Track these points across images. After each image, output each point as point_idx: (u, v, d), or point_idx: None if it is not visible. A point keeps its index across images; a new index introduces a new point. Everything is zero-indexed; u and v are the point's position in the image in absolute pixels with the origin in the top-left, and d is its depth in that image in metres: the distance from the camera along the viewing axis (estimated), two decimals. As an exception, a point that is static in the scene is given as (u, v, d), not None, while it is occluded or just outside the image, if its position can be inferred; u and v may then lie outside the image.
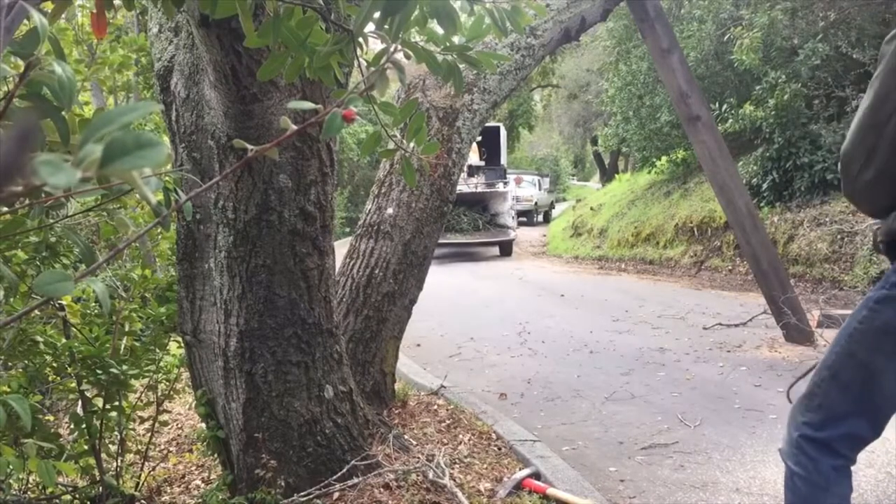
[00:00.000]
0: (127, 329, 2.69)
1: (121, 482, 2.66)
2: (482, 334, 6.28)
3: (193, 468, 3.36)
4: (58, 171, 0.45)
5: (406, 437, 3.11)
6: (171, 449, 3.66)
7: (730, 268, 9.47)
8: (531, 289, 9.25)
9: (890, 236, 1.60)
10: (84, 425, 2.51)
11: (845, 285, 7.50)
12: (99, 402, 2.56)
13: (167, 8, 1.32)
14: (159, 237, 3.21)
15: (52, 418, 3.15)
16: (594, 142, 26.11)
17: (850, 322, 1.65)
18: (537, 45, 3.77)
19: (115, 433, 2.70)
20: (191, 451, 3.50)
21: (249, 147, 0.89)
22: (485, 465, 2.96)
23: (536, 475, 2.86)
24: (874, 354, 1.59)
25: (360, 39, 1.19)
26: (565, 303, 7.93)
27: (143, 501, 2.86)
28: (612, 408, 4.01)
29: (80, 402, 2.59)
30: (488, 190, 13.25)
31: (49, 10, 1.26)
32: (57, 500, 2.64)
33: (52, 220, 1.45)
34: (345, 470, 2.59)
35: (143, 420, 2.97)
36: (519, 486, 2.75)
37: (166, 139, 2.81)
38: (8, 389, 2.22)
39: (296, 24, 1.16)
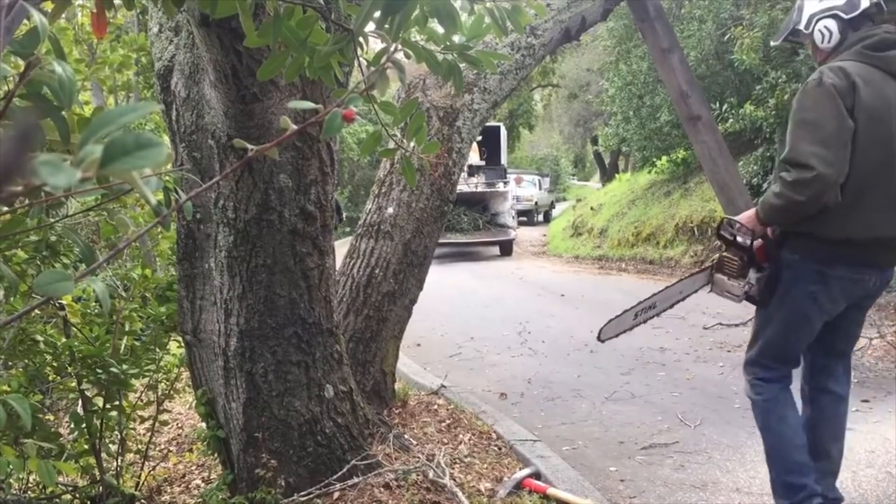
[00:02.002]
0: (127, 329, 2.69)
1: (121, 482, 2.67)
2: (482, 334, 6.28)
3: (194, 468, 3.36)
4: (58, 171, 0.45)
5: (406, 436, 3.11)
6: (171, 448, 3.66)
7: (730, 267, 9.45)
8: (531, 288, 9.25)
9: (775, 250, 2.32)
10: (84, 425, 2.51)
11: (845, 285, 7.48)
12: (99, 401, 2.56)
13: (167, 7, 1.32)
14: (159, 237, 3.21)
15: (52, 418, 3.15)
16: (594, 141, 26.10)
17: (772, 306, 2.34)
18: (537, 45, 3.76)
19: (116, 433, 2.70)
20: (191, 450, 3.50)
21: (250, 147, 0.89)
22: (485, 465, 2.96)
23: (536, 475, 2.86)
24: (792, 326, 2.30)
25: (361, 39, 1.19)
26: (565, 302, 7.92)
27: (143, 501, 2.86)
28: (612, 407, 4.01)
29: (80, 402, 2.59)
30: (488, 189, 13.24)
31: (49, 10, 1.26)
32: (57, 500, 2.64)
33: (52, 220, 1.45)
34: (345, 470, 2.59)
35: (143, 420, 2.97)
36: (519, 486, 2.75)
37: (166, 139, 2.81)
38: (8, 389, 2.22)
39: (296, 23, 1.16)
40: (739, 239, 2.38)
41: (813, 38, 2.35)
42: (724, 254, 2.47)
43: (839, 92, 2.10)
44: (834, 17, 2.28)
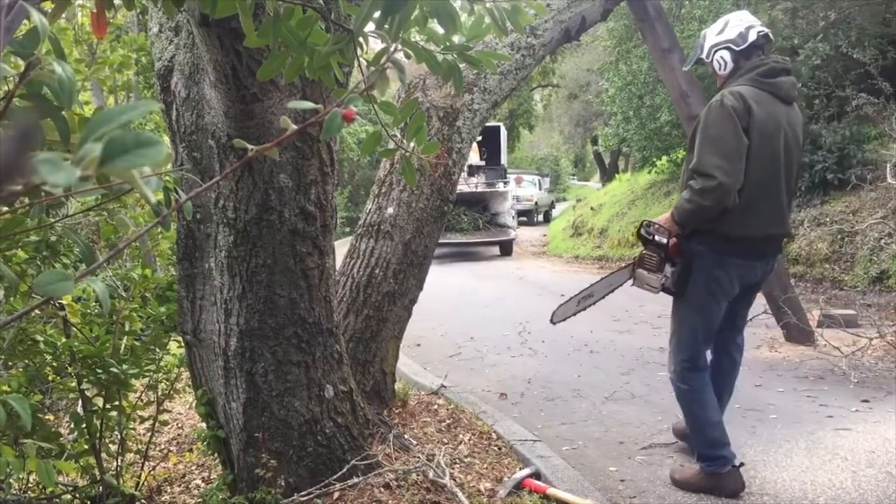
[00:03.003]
0: (127, 329, 2.69)
1: (121, 482, 2.67)
2: (482, 334, 6.28)
3: (194, 468, 3.36)
4: (57, 169, 0.45)
5: (406, 436, 3.11)
6: (171, 448, 3.66)
7: (730, 268, 9.45)
8: (531, 288, 9.25)
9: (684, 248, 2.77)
10: (84, 425, 2.51)
11: (845, 285, 7.50)
12: (99, 401, 2.56)
13: (167, 7, 1.32)
14: (159, 237, 3.21)
15: (52, 418, 3.15)
16: (594, 141, 26.11)
17: (687, 293, 2.79)
18: (538, 45, 3.76)
19: (116, 433, 2.70)
20: (191, 450, 3.50)
21: (250, 147, 0.89)
22: (485, 465, 2.96)
23: (537, 475, 2.86)
24: (704, 306, 2.78)
25: (361, 39, 1.19)
26: (565, 302, 7.92)
27: (143, 501, 2.86)
28: (612, 407, 4.01)
29: (80, 402, 2.59)
30: (488, 189, 13.24)
31: (49, 10, 1.26)
32: (57, 500, 2.64)
33: (52, 220, 1.45)
34: (345, 470, 2.59)
35: (143, 419, 2.97)
36: (519, 486, 2.75)
37: (166, 138, 2.81)
38: (8, 389, 2.22)
39: (296, 23, 1.16)
40: (657, 238, 2.80)
41: (713, 65, 2.85)
42: (644, 251, 2.87)
43: (737, 113, 2.57)
44: (728, 48, 2.77)
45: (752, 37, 2.73)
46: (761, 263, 2.81)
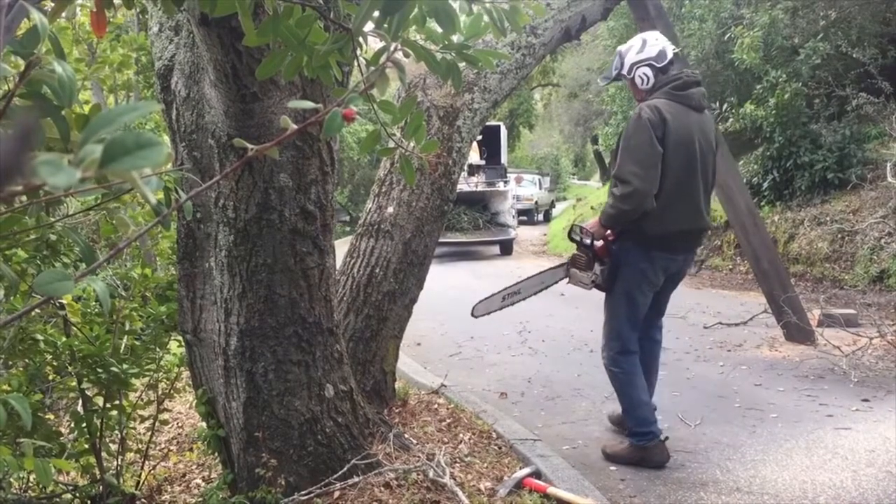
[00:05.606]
0: (127, 328, 2.69)
1: (121, 481, 2.67)
2: (482, 333, 6.27)
3: (194, 467, 3.36)
4: (58, 171, 0.45)
5: (406, 436, 3.11)
6: (171, 448, 3.66)
7: (730, 267, 9.47)
8: (531, 288, 9.22)
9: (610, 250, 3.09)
10: (84, 424, 2.51)
11: (846, 284, 7.50)
12: (99, 400, 2.56)
13: (167, 7, 1.32)
14: (159, 236, 3.21)
15: (52, 417, 3.15)
16: (594, 141, 26.09)
17: (616, 285, 3.09)
18: (538, 44, 3.76)
19: (116, 432, 2.70)
20: (191, 449, 3.50)
21: (250, 146, 0.89)
22: (485, 464, 2.96)
23: (537, 474, 2.86)
24: (633, 296, 3.06)
25: (360, 38, 1.19)
26: (566, 302, 7.92)
27: (143, 500, 2.86)
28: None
29: (80, 401, 2.59)
30: (489, 189, 13.22)
31: (49, 9, 1.26)
32: (57, 499, 2.64)
33: (51, 219, 1.45)
34: (345, 469, 2.59)
35: (143, 419, 2.97)
36: (519, 485, 2.75)
37: (166, 138, 2.80)
38: (8, 388, 2.23)
39: (295, 22, 1.16)
40: (586, 241, 3.09)
41: (634, 81, 3.07)
42: (576, 252, 3.15)
43: (653, 125, 2.84)
44: (649, 66, 3.01)
45: (669, 54, 3.02)
46: (682, 255, 3.11)
